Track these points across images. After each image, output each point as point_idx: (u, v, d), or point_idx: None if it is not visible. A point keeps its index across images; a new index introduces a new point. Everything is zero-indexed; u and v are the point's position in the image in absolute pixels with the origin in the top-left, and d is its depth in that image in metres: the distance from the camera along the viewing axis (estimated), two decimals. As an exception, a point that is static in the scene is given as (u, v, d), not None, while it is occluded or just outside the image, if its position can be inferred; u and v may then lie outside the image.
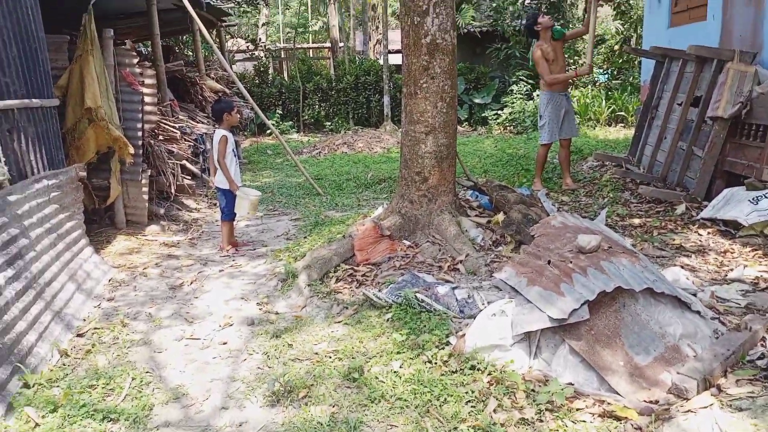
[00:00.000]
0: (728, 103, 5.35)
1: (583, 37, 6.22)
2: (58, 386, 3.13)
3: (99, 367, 3.33)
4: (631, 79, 13.76)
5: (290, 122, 15.87)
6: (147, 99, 6.24)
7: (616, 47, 15.02)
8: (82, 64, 5.61)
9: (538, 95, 13.57)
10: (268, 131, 14.38)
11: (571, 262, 3.25)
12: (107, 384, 3.12)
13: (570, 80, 6.33)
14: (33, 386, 3.10)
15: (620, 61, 14.24)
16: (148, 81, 6.29)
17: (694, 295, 3.39)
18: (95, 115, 5.59)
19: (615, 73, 14.83)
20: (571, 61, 14.14)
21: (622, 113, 12.51)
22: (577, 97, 13.01)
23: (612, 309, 2.95)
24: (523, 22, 14.35)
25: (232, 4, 15.18)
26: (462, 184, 5.95)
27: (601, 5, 6.23)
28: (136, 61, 6.15)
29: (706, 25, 6.47)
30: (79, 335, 3.82)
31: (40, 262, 3.94)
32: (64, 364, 3.42)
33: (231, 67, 18.55)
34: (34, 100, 4.37)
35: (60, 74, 5.63)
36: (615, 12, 14.66)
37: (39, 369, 3.31)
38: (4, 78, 3.97)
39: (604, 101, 12.76)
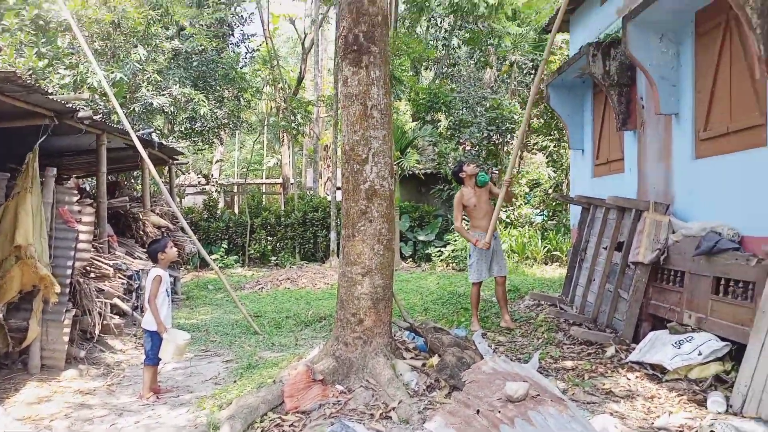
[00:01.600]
0: (647, 250, 5.69)
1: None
2: None
3: None
4: (564, 220, 14.57)
5: (235, 256, 15.79)
6: (82, 236, 6.12)
7: (550, 191, 16.10)
8: (19, 201, 5.54)
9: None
10: (211, 267, 14.22)
11: (499, 412, 3.18)
12: None
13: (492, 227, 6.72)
14: None
15: (554, 204, 15.16)
16: (85, 218, 6.22)
17: (624, 446, 3.34)
18: (25, 253, 5.42)
19: (550, 214, 15.72)
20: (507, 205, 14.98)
21: (557, 253, 13.07)
22: (515, 236, 13.59)
23: (540, 465, 2.85)
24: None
25: (188, 143, 15.70)
26: (398, 324, 5.91)
27: (511, 184, 6.80)
28: (75, 199, 6.12)
29: (625, 177, 7.05)
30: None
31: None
32: None
33: (181, 201, 18.77)
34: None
35: (-7, 210, 5.52)
36: (547, 160, 15.90)
37: None
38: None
39: (540, 241, 13.35)
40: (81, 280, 6.24)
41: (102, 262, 6.76)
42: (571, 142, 8.55)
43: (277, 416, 4.20)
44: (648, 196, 6.30)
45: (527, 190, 16.15)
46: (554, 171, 15.75)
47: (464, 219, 7.10)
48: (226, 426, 4.00)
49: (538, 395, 3.39)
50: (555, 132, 15.28)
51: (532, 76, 16.14)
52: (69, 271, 5.97)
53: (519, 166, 16.91)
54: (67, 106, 5.94)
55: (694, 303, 5.03)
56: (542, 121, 15.42)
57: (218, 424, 4.08)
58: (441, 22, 15.34)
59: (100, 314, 6.30)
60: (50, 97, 5.55)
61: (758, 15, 4.07)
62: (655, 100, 5.75)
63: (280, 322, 8.27)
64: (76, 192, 6.33)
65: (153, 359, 5.10)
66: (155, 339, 5.06)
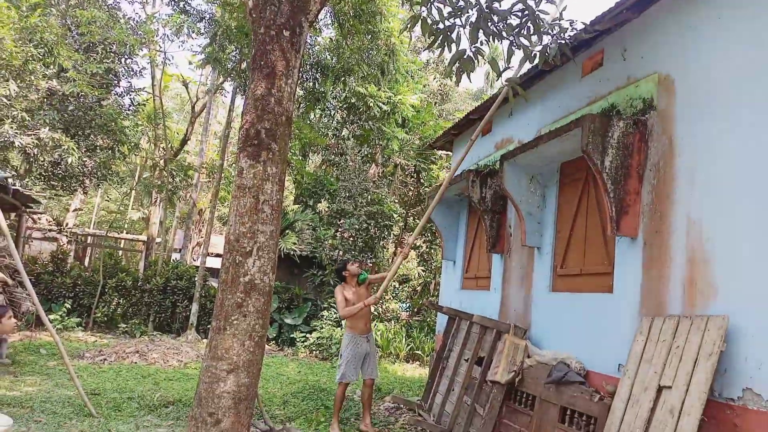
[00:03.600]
0: (504, 371, 6.05)
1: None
2: None
3: None
4: (428, 319, 15.10)
5: (79, 318, 14.26)
6: None
7: (419, 288, 16.74)
8: None
9: (345, 323, 14.16)
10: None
11: None
12: None
13: (369, 306, 6.88)
14: None
15: (420, 301, 15.72)
16: None
17: None
18: None
19: (415, 311, 16.24)
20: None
21: (419, 352, 13.41)
22: (381, 331, 13.78)
23: None
24: (339, 252, 15.62)
25: (45, 187, 14.36)
26: (257, 427, 5.63)
27: (405, 258, 7.15)
28: None
29: (490, 295, 7.54)
30: None
31: None
32: None
33: (26, 247, 16.84)
34: None
35: None
36: (418, 259, 16.61)
37: None
38: None
39: (404, 339, 13.65)
40: None
41: None
42: (445, 252, 9.06)
43: None
44: (509, 318, 6.78)
45: (396, 284, 16.63)
46: (424, 270, 16.45)
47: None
48: None
49: None
50: (428, 233, 16.11)
51: (412, 179, 17.13)
52: None
53: (391, 261, 17.47)
54: None
55: (542, 428, 5.35)
56: (418, 222, 16.23)
57: None
58: (334, 114, 15.98)
59: None
60: None
61: (612, 181, 4.76)
62: (521, 232, 6.35)
63: (121, 404, 7.49)
64: None
65: None
66: None
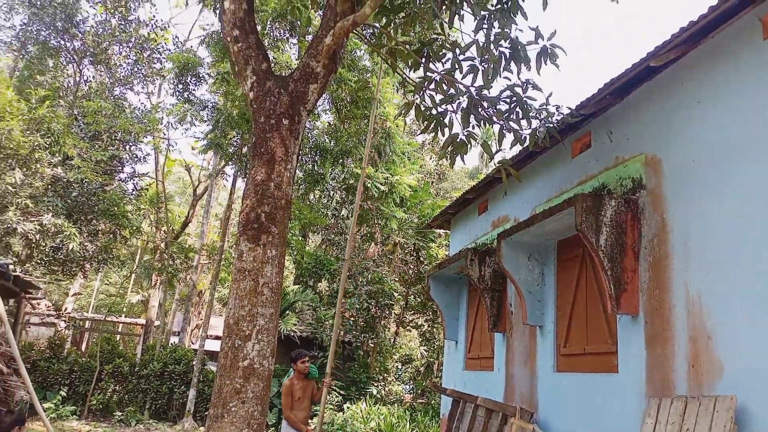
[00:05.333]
0: (511, 455, 5.83)
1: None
2: None
3: None
4: (433, 401, 14.64)
5: (74, 407, 13.84)
6: None
7: (422, 369, 16.36)
8: None
9: (348, 407, 13.73)
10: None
11: None
12: None
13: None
14: None
15: (423, 383, 15.31)
16: None
17: None
18: None
19: (419, 393, 15.79)
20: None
21: (425, 437, 12.91)
22: (384, 415, 13.33)
23: None
24: (341, 333, 15.41)
25: (46, 271, 14.38)
26: None
27: (330, 391, 7.00)
28: None
29: (494, 376, 7.39)
30: None
31: None
32: None
33: (24, 333, 16.60)
34: None
35: None
36: (420, 338, 16.35)
37: None
38: None
39: (408, 423, 13.18)
40: None
41: None
42: (447, 332, 8.95)
43: None
44: (515, 400, 6.61)
45: (399, 365, 16.29)
46: (426, 350, 16.15)
47: None
48: None
49: None
50: (430, 312, 15.95)
51: (412, 257, 17.18)
52: None
53: (394, 341, 17.20)
54: None
55: None
56: (419, 300, 16.12)
57: None
58: (333, 194, 16.26)
59: None
60: None
61: (608, 259, 4.81)
62: (522, 310, 6.31)
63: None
64: None
65: None
66: None
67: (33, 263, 13.90)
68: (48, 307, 18.24)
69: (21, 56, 16.87)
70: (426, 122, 5.88)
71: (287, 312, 14.66)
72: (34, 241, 12.17)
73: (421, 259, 16.95)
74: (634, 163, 5.10)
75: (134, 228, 15.97)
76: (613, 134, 5.47)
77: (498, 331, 7.21)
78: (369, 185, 13.71)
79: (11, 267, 9.01)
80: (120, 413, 14.19)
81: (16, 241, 12.24)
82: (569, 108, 5.46)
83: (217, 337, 21.60)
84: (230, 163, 15.24)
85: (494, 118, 5.69)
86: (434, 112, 5.87)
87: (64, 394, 13.99)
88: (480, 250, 7.28)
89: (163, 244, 17.71)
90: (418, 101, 5.95)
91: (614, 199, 4.98)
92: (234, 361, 4.84)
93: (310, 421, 6.96)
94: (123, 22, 16.60)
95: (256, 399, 4.83)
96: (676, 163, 4.64)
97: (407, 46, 5.87)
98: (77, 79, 17.22)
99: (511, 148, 6.28)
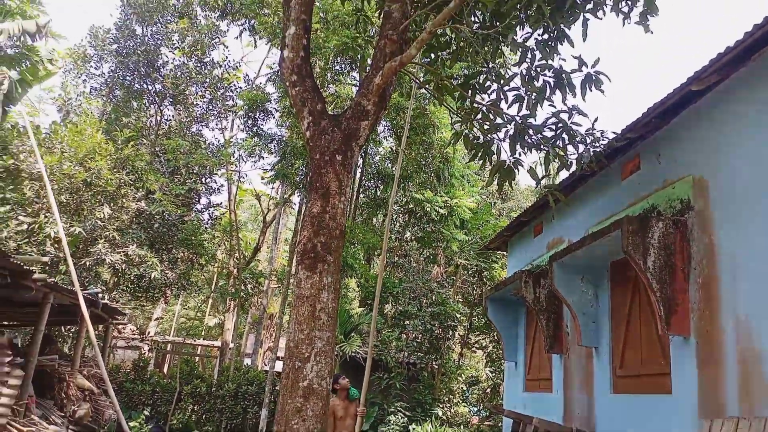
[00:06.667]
0: (569, 477, 5.84)
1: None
2: None
3: None
4: (500, 424, 14.50)
5: (156, 427, 14.74)
6: (3, 400, 5.89)
7: (488, 390, 16.24)
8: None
9: (414, 428, 13.84)
10: (129, 433, 13.24)
11: None
12: None
13: None
14: None
15: (492, 403, 15.19)
16: (12, 381, 6.05)
17: None
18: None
19: (487, 414, 15.66)
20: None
21: (493, 460, 12.81)
22: (452, 438, 13.37)
23: None
24: (405, 354, 15.61)
25: (131, 298, 15.50)
26: None
27: (364, 414, 7.34)
28: (7, 360, 6.01)
29: (553, 397, 7.39)
30: None
31: None
32: None
33: (111, 356, 17.88)
34: None
35: None
36: (486, 360, 16.27)
37: None
38: None
39: (475, 445, 13.14)
40: (-13, 447, 5.86)
41: (16, 428, 6.37)
42: (506, 353, 9.00)
43: None
44: (573, 421, 6.60)
45: (465, 387, 16.24)
46: (492, 371, 16.04)
47: None
48: None
49: None
50: (494, 333, 15.86)
51: (475, 278, 17.19)
52: (-22, 438, 5.64)
53: (459, 362, 17.20)
54: (24, 267, 6.11)
55: None
56: (483, 320, 16.08)
57: None
58: (395, 218, 16.63)
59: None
60: (11, 259, 5.75)
61: (657, 280, 4.84)
62: (577, 332, 6.35)
63: None
64: (9, 352, 6.20)
65: None
66: None
67: (119, 290, 15.05)
68: (133, 331, 19.56)
69: (109, 100, 18.46)
70: (474, 150, 6.13)
71: (352, 334, 15.03)
72: (120, 270, 13.21)
73: (484, 280, 16.94)
74: (682, 184, 5.12)
75: (210, 255, 16.97)
76: (661, 156, 5.50)
77: (555, 352, 7.23)
78: (428, 209, 13.96)
79: (100, 294, 9.91)
80: (198, 432, 14.97)
81: (105, 270, 13.33)
82: (614, 132, 5.55)
83: (288, 359, 22.26)
84: (296, 191, 15.97)
85: (541, 145, 5.87)
86: (481, 140, 6.11)
87: (148, 414, 14.92)
88: (534, 272, 7.36)
89: (235, 270, 18.64)
90: (466, 131, 6.21)
91: (662, 221, 5.01)
92: (294, 382, 5.21)
93: None
94: (199, 65, 17.90)
95: (315, 417, 5.15)
96: (723, 184, 4.65)
97: (452, 81, 6.16)
98: (158, 118, 18.66)
99: (557, 173, 6.39)
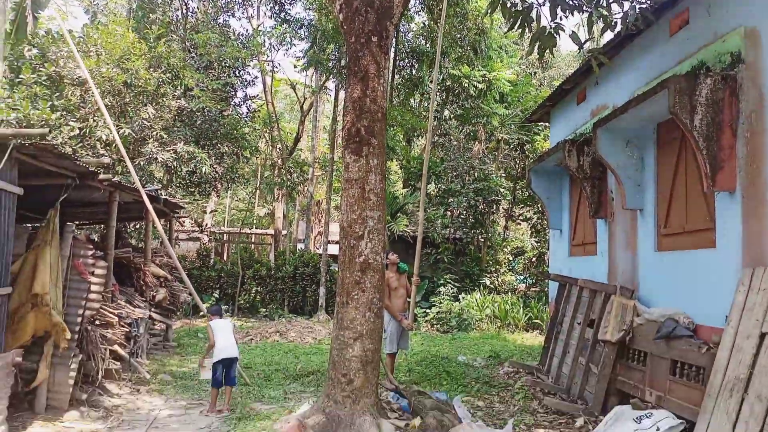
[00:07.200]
0: (614, 330, 6.26)
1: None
2: None
3: None
4: (546, 289, 15.18)
5: (226, 306, 16.11)
6: (93, 288, 6.59)
7: (533, 259, 16.81)
8: (39, 253, 6.02)
9: (463, 297, 14.67)
10: (201, 313, 14.54)
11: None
12: None
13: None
14: None
15: (538, 270, 15.83)
16: (98, 271, 6.70)
17: None
18: (41, 300, 5.86)
19: (533, 282, 16.37)
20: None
21: (538, 321, 13.60)
22: (498, 303, 14.14)
23: None
24: (451, 230, 16.13)
25: (185, 194, 16.25)
26: (384, 386, 6.36)
27: (418, 284, 8.03)
28: (90, 252, 6.62)
29: (597, 260, 7.69)
30: None
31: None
32: None
33: (176, 247, 19.17)
34: (-9, 289, 4.70)
35: (14, 261, 5.98)
36: (531, 230, 16.65)
37: None
38: (-29, 270, 4.35)
39: (521, 309, 13.90)
40: (88, 327, 6.65)
41: (107, 311, 7.17)
42: (550, 222, 9.24)
43: (271, 469, 4.60)
44: (617, 280, 6.92)
45: (510, 257, 16.82)
46: (537, 241, 16.48)
47: None
48: (225, 476, 4.39)
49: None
50: (538, 204, 16.10)
51: (517, 152, 17.13)
52: (79, 319, 6.41)
53: (504, 234, 17.68)
54: (90, 169, 6.51)
55: (654, 382, 5.56)
56: (527, 193, 16.27)
57: (217, 474, 4.47)
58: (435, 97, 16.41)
59: (102, 359, 6.68)
60: (77, 162, 6.14)
61: (703, 138, 4.83)
62: (622, 196, 6.46)
63: (270, 375, 8.63)
64: (91, 246, 6.81)
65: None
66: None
67: (173, 187, 15.78)
68: (192, 224, 20.69)
69: (133, -3, 18.10)
70: (512, 18, 5.93)
71: (398, 214, 15.54)
72: (172, 167, 13.78)
73: (527, 153, 16.89)
74: (733, 36, 4.90)
75: (253, 148, 17.35)
76: (711, 8, 5.22)
77: (599, 217, 7.41)
78: (466, 84, 13.68)
79: (159, 192, 10.49)
80: (264, 310, 16.33)
81: (157, 168, 13.92)
82: (662, -15, 5.25)
83: (336, 242, 23.35)
84: (330, 77, 15.80)
85: (583, 6, 5.62)
86: (520, 7, 5.89)
87: (217, 296, 16.27)
88: (577, 141, 7.36)
89: (279, 161, 19.10)
90: (503, -2, 5.96)
91: (710, 77, 4.88)
92: (351, 258, 5.63)
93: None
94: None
95: (374, 288, 5.63)
96: (777, 32, 4.45)
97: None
98: (184, 11, 18.29)
99: (601, 35, 6.15)
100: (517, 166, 17.46)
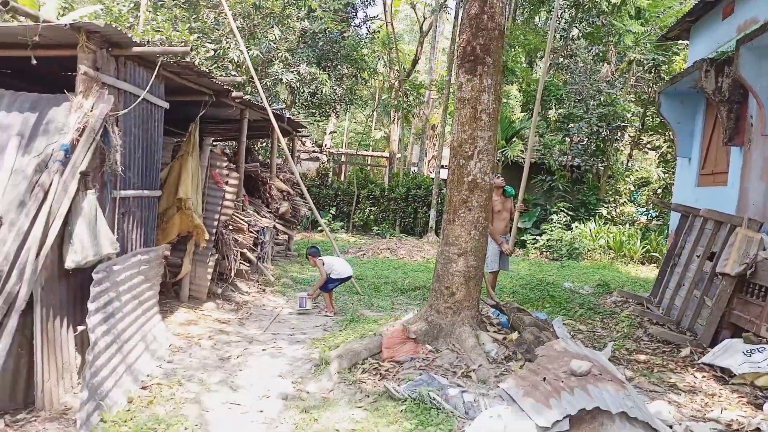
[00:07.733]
0: (735, 263, 5.93)
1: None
2: (126, 426, 3.84)
3: (159, 416, 4.03)
4: (669, 222, 14.35)
5: (341, 223, 17.08)
6: (228, 196, 7.34)
7: (659, 191, 15.83)
8: (182, 163, 6.78)
9: (576, 226, 14.31)
10: (319, 228, 15.56)
11: (562, 381, 3.83)
12: (166, 430, 3.81)
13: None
14: (107, 422, 3.82)
15: (657, 202, 14.94)
16: (231, 182, 7.43)
17: (671, 427, 3.86)
18: (184, 204, 6.67)
19: (656, 215, 15.50)
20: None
21: (656, 254, 13.00)
22: (613, 234, 13.64)
23: (591, 426, 3.49)
24: (569, 158, 15.53)
25: (307, 114, 17.01)
26: (486, 301, 6.60)
27: (524, 210, 7.96)
28: (225, 164, 7.33)
29: (727, 190, 7.17)
30: (143, 388, 4.55)
31: (124, 323, 4.77)
32: (129, 410, 4.13)
33: (297, 165, 20.36)
34: (145, 191, 5.45)
35: (162, 168, 6.80)
36: (659, 160, 15.57)
37: (113, 410, 4.04)
38: (128, 173, 5.07)
39: (639, 241, 13.31)
40: (223, 231, 7.49)
41: (239, 218, 7.99)
42: (679, 149, 8.64)
43: (376, 362, 5.09)
44: (747, 212, 6.45)
45: (632, 188, 15.96)
46: (664, 172, 15.43)
47: None
48: (335, 362, 4.95)
49: (600, 375, 3.98)
50: (670, 132, 14.93)
51: (651, 74, 15.78)
52: (215, 223, 7.23)
53: (628, 163, 16.71)
54: (225, 86, 7.09)
55: (773, 318, 5.27)
56: (658, 120, 15.11)
57: (328, 360, 5.04)
58: (561, 14, 15.35)
59: (234, 260, 7.54)
60: (214, 80, 6.71)
61: None
62: (762, 122, 5.90)
63: (379, 287, 9.22)
64: (225, 158, 7.53)
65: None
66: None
67: (296, 108, 16.57)
68: (312, 144, 21.69)
69: None
70: None
71: (513, 139, 15.19)
72: (295, 88, 14.43)
73: (662, 75, 15.51)
74: None
75: (371, 69, 17.56)
76: None
77: (734, 144, 6.83)
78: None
79: (285, 112, 11.13)
80: (376, 228, 17.08)
81: (282, 89, 14.64)
82: None
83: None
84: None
85: None
86: None
87: (333, 213, 17.24)
88: (717, 60, 6.71)
89: (397, 83, 19.18)
90: None
91: None
92: (460, 177, 5.75)
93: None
94: None
95: (480, 207, 5.75)
96: None
97: None
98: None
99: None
100: (649, 89, 16.14)
